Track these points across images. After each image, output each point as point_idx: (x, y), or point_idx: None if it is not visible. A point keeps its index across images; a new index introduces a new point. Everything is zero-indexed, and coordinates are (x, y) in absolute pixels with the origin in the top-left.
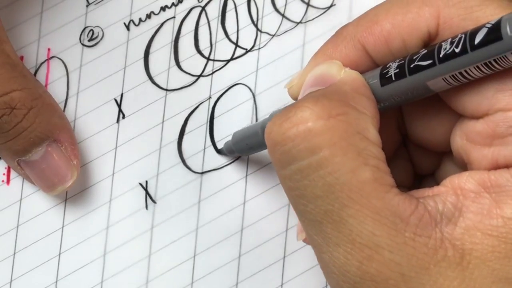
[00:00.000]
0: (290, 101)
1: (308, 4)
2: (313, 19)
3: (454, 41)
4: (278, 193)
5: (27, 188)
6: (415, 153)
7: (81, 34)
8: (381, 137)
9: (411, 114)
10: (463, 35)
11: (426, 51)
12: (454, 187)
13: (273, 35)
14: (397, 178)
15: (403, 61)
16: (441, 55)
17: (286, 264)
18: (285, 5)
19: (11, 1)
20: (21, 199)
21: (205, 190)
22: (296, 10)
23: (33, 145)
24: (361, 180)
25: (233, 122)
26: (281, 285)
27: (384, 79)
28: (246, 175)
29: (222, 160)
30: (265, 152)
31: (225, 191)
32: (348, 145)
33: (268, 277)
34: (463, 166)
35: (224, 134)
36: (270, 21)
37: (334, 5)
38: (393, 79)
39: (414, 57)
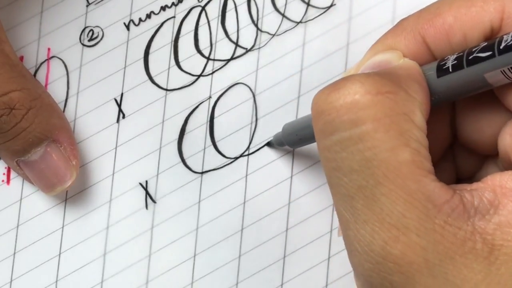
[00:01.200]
0: (291, 100)
1: (308, 4)
2: (313, 18)
3: None
4: (278, 193)
5: (27, 188)
6: (460, 155)
7: (81, 34)
8: (432, 135)
9: (463, 111)
10: None
11: (486, 43)
12: (494, 184)
13: (273, 35)
14: (440, 180)
15: (461, 54)
16: (501, 47)
17: (286, 264)
18: (285, 4)
19: (11, 1)
20: (21, 199)
21: (205, 190)
22: (296, 10)
23: (32, 145)
24: (399, 160)
25: (233, 122)
26: (281, 285)
27: (441, 70)
28: (246, 175)
29: (222, 160)
30: (265, 152)
31: (225, 191)
32: (392, 123)
33: (268, 277)
34: (508, 167)
35: (224, 134)
36: (270, 20)
37: (334, 5)
38: (450, 70)
39: (473, 49)
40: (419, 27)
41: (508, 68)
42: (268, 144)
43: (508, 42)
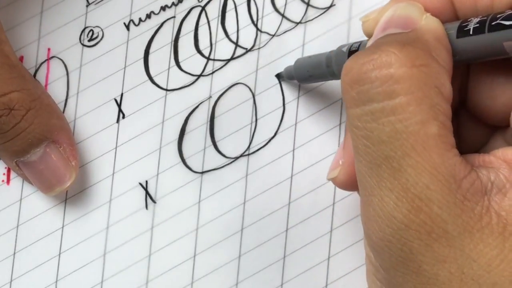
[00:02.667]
0: (291, 100)
1: (308, 4)
2: (313, 19)
3: None
4: (278, 193)
5: (27, 188)
6: (466, 126)
7: (81, 34)
8: None
9: (477, 75)
10: None
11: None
12: (506, 160)
13: (273, 35)
14: None
15: (485, 18)
16: None
17: (286, 264)
18: (285, 5)
19: (11, 1)
20: (21, 199)
21: (205, 190)
22: (296, 10)
23: (32, 146)
24: (427, 133)
25: (233, 122)
26: (281, 285)
27: (462, 31)
28: (246, 175)
29: (222, 160)
30: (265, 152)
31: (225, 191)
32: (424, 97)
33: (268, 277)
34: None
35: (224, 134)
36: (270, 21)
37: (334, 5)
38: (471, 33)
39: (498, 16)
40: None
41: None
42: (278, 76)
43: None
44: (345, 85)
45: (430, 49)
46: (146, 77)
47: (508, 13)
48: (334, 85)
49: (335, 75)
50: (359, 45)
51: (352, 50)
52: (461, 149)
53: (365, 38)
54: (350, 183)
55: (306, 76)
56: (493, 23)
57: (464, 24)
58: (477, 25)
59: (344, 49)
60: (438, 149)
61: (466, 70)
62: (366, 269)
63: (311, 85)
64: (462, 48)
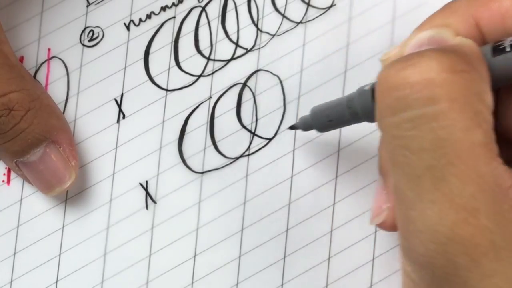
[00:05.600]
0: (291, 100)
1: (308, 4)
2: (313, 19)
3: None
4: (278, 193)
5: (27, 188)
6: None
7: (81, 34)
8: None
9: (509, 98)
10: None
11: None
12: None
13: (274, 35)
14: None
15: None
16: None
17: (286, 264)
18: (285, 5)
19: (11, 1)
20: (21, 199)
21: (205, 190)
22: (296, 10)
23: (31, 146)
24: (472, 141)
25: (233, 122)
26: (281, 285)
27: (497, 50)
28: (246, 175)
29: (222, 160)
30: (265, 152)
31: (225, 191)
32: (467, 104)
33: (268, 277)
34: None
35: (224, 134)
36: (270, 21)
37: (334, 5)
38: (508, 50)
39: None
40: (473, 10)
41: None
42: (292, 127)
43: None
44: (381, 93)
45: (469, 59)
46: (146, 77)
47: None
48: (334, 86)
49: (359, 117)
50: None
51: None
52: None
53: None
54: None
55: (326, 123)
56: None
57: (497, 44)
58: None
59: (367, 87)
60: (483, 157)
61: (495, 95)
62: (402, 283)
63: (310, 84)
64: (498, 66)
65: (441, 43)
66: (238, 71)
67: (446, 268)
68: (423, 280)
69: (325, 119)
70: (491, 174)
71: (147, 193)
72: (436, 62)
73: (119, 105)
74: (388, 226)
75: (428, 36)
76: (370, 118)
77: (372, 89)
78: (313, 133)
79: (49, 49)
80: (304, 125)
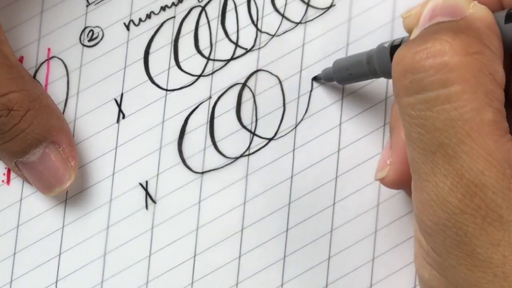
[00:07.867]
0: (291, 100)
1: (308, 4)
2: (313, 19)
3: None
4: (278, 193)
5: (27, 188)
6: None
7: (81, 34)
8: None
9: None
10: None
11: None
12: None
13: (273, 35)
14: None
15: None
16: None
17: (286, 264)
18: (285, 5)
19: (11, 1)
20: (21, 199)
21: (205, 190)
22: (296, 10)
23: (31, 146)
24: (483, 120)
25: (233, 122)
26: (281, 285)
27: (510, 18)
28: (246, 175)
29: (222, 160)
30: (265, 152)
31: (225, 191)
32: (479, 84)
33: (268, 277)
34: None
35: (224, 134)
36: (270, 21)
37: (334, 5)
38: None
39: None
40: None
41: None
42: (315, 78)
43: None
44: (397, 74)
45: (482, 36)
46: (146, 77)
47: None
48: (334, 85)
49: (377, 73)
50: (401, 41)
51: (395, 45)
52: None
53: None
54: (399, 182)
55: (346, 76)
56: None
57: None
58: None
59: (386, 45)
60: (492, 135)
61: (510, 62)
62: (414, 253)
63: (308, 85)
64: (511, 33)
65: (455, 13)
66: (238, 71)
67: (456, 235)
68: (434, 248)
69: (346, 72)
70: (500, 151)
71: (147, 193)
72: (449, 46)
73: (119, 105)
74: (389, 182)
75: (445, 5)
76: (387, 75)
77: (391, 47)
78: (313, 133)
79: (49, 49)
80: (326, 76)
